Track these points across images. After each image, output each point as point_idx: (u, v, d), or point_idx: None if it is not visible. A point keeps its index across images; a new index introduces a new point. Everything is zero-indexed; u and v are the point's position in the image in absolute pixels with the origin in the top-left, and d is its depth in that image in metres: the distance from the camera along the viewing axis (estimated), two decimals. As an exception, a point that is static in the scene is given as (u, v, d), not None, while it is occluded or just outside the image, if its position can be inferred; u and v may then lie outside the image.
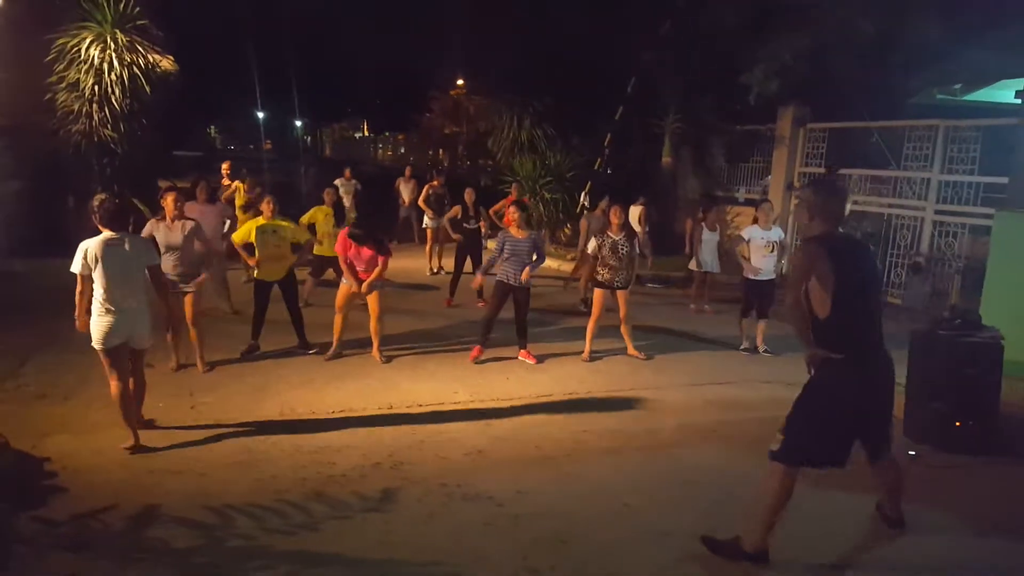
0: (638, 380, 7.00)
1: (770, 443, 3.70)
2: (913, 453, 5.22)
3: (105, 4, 10.87)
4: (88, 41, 10.79)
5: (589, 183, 12.53)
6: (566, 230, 12.89)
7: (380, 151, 42.28)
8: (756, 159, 14.89)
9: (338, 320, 7.14)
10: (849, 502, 4.42)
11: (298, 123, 49.69)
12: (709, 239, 10.04)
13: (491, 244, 12.11)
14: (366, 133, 47.84)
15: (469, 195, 10.23)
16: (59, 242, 10.61)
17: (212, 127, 51.68)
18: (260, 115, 43.40)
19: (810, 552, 3.89)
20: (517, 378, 6.86)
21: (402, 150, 34.87)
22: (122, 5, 11.00)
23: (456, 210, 10.17)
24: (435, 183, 12.25)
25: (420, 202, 12.09)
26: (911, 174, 11.50)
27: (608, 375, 7.10)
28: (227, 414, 5.65)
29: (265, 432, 5.32)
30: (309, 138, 53.76)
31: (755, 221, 8.03)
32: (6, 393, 5.85)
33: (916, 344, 5.47)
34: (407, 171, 14.45)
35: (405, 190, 13.99)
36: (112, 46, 10.85)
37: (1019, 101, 6.69)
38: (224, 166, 12.96)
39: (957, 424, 5.16)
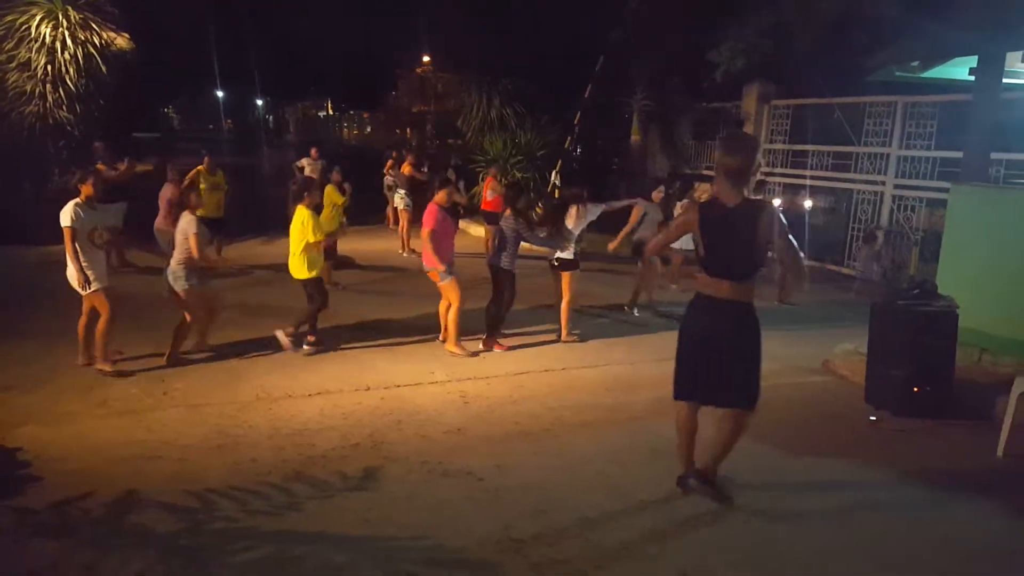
0: (612, 356, 7.11)
1: None
2: (874, 418, 5.44)
3: None
4: (39, 18, 10.43)
5: (559, 161, 12.55)
6: (538, 209, 12.90)
7: (346, 130, 41.73)
8: (722, 136, 15.09)
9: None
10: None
11: (259, 102, 48.73)
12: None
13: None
14: (330, 112, 47.15)
15: (451, 174, 10.26)
16: (15, 228, 10.42)
17: (169, 107, 50.40)
18: (220, 94, 42.46)
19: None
20: (493, 357, 6.91)
21: (368, 129, 34.47)
22: None
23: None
24: (409, 161, 12.22)
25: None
26: (871, 149, 11.77)
27: (583, 351, 7.20)
28: (202, 399, 5.62)
29: (242, 416, 5.31)
30: (271, 117, 52.80)
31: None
32: (-31, 386, 5.73)
33: (876, 313, 5.66)
34: (393, 154, 14.21)
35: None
36: (64, 23, 10.50)
37: (972, 78, 6.87)
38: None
39: (915, 390, 5.36)
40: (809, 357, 7.10)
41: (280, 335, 6.79)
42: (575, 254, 7.32)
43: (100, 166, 9.51)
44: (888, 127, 11.50)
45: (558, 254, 7.34)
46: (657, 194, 7.92)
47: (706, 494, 4.14)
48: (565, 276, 7.34)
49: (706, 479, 4.19)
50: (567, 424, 5.30)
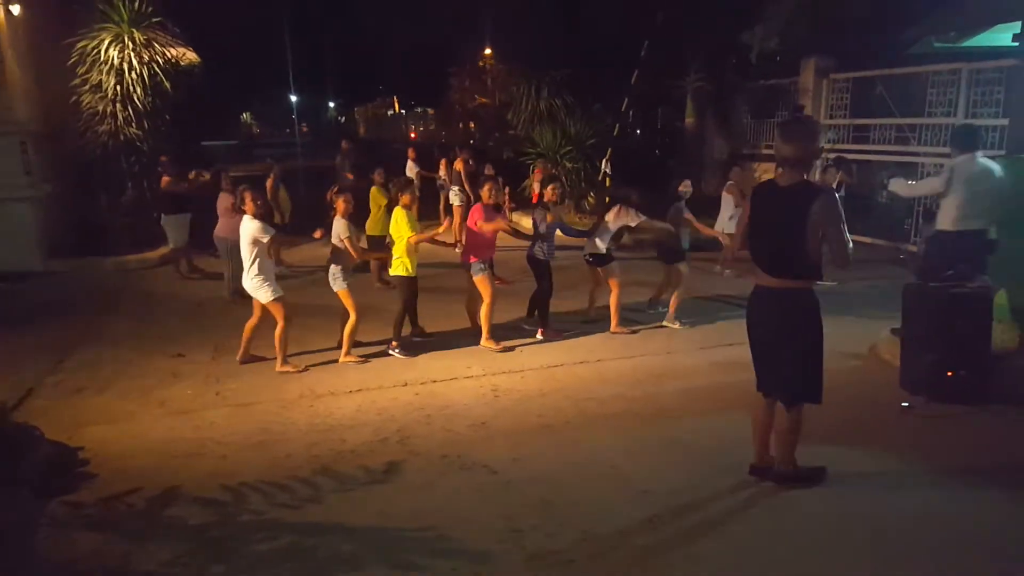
0: (649, 346, 7.12)
1: None
2: (906, 404, 5.27)
3: (120, 4, 11.15)
4: (107, 42, 11.12)
5: (609, 150, 12.51)
6: (590, 199, 12.91)
7: (412, 127, 42.48)
8: (782, 114, 14.65)
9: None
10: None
11: (331, 104, 50.11)
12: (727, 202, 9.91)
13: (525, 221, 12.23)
14: (397, 110, 48.09)
15: (489, 170, 10.38)
16: (94, 241, 11.19)
17: (247, 114, 52.45)
18: (293, 99, 43.84)
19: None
20: (530, 349, 7.03)
21: (431, 126, 35.02)
22: (137, 4, 11.28)
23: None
24: (462, 158, 12.41)
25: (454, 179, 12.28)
26: (935, 121, 11.23)
27: (621, 342, 7.24)
28: (250, 398, 5.96)
29: (285, 413, 5.62)
30: (343, 119, 54.23)
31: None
32: (46, 389, 6.25)
33: (908, 296, 5.47)
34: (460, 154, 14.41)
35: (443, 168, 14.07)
36: (130, 45, 11.17)
37: (1016, 44, 6.47)
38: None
39: (949, 374, 5.17)
40: (857, 340, 6.90)
41: (393, 352, 6.90)
42: (608, 249, 7.35)
43: (165, 179, 10.13)
44: (953, 96, 10.95)
45: (589, 249, 7.39)
46: (684, 187, 7.72)
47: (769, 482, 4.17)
48: (602, 271, 7.43)
49: (762, 469, 4.21)
50: (590, 416, 5.38)
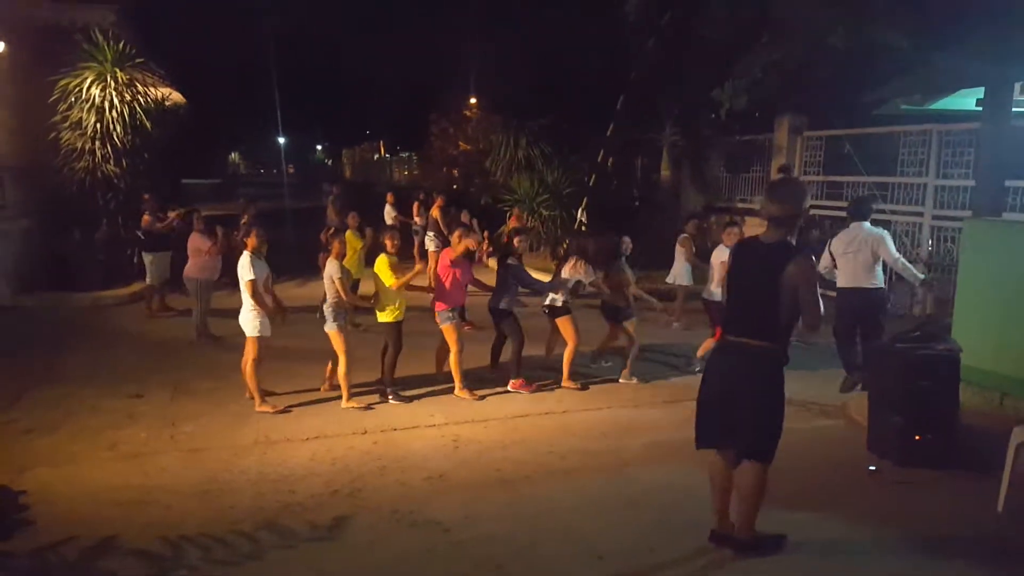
0: (617, 398, 7.04)
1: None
2: (873, 468, 5.20)
3: (105, 45, 11.23)
4: (89, 81, 11.17)
5: (585, 199, 12.63)
6: (564, 246, 12.98)
7: (396, 171, 42.85)
8: (755, 169, 14.88)
9: None
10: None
11: (319, 147, 50.49)
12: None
13: (492, 263, 12.21)
14: (383, 154, 48.58)
15: (466, 216, 10.39)
16: (65, 276, 11.04)
17: (236, 153, 52.69)
18: (281, 140, 44.17)
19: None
20: (497, 399, 6.90)
21: (416, 171, 35.39)
22: (121, 45, 11.36)
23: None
24: (439, 203, 12.47)
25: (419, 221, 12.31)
26: (907, 180, 11.41)
27: (590, 394, 7.14)
28: (203, 443, 5.80)
29: (236, 461, 5.45)
30: (330, 161, 54.60)
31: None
32: (-4, 428, 6.06)
33: (873, 357, 5.44)
34: (420, 196, 14.53)
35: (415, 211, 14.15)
36: (112, 84, 11.21)
37: (980, 109, 6.63)
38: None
39: (916, 438, 5.12)
40: (829, 399, 6.86)
41: (389, 398, 6.80)
42: (564, 301, 7.30)
43: (146, 217, 10.06)
44: (924, 156, 11.15)
45: (546, 301, 7.37)
46: (624, 245, 7.73)
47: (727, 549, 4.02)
48: (558, 322, 7.35)
49: (721, 536, 4.08)
50: (550, 471, 5.26)
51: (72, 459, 5.46)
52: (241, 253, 6.58)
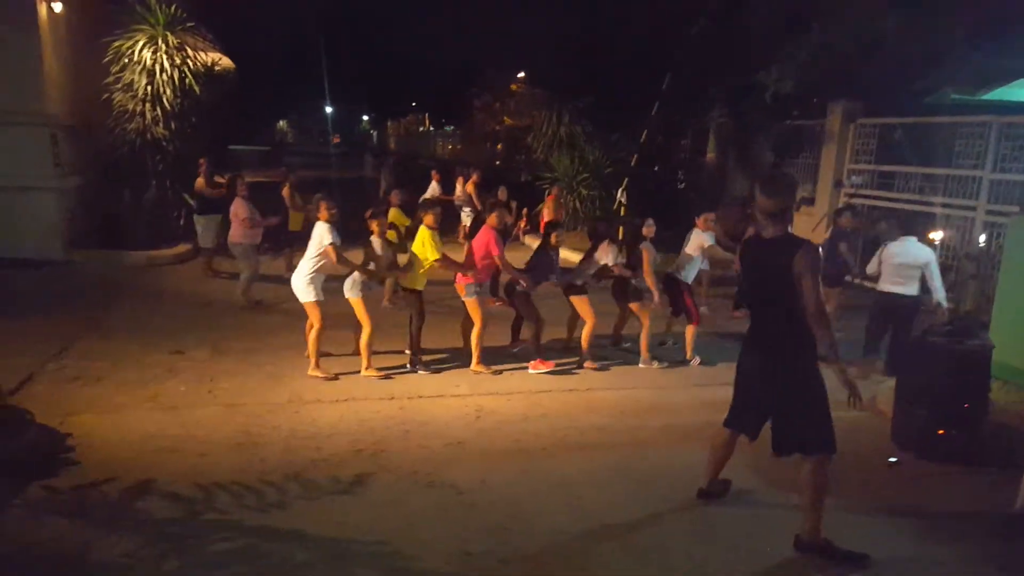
0: (642, 379, 7.09)
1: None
2: (894, 460, 5.19)
3: (157, 7, 11.48)
4: (141, 43, 11.44)
5: (626, 179, 12.57)
6: (593, 228, 12.97)
7: (440, 145, 42.98)
8: (805, 155, 14.58)
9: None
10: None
11: (364, 118, 50.80)
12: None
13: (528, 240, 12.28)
14: (427, 127, 48.72)
15: (502, 194, 10.45)
16: (115, 235, 11.45)
17: (284, 122, 53.33)
18: (328, 110, 44.50)
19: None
20: (522, 374, 7.01)
21: (459, 145, 35.47)
22: (172, 8, 11.60)
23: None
24: (474, 179, 12.56)
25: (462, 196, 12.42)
26: (961, 172, 11.08)
27: (615, 374, 7.20)
28: (240, 399, 6.06)
29: (269, 417, 5.69)
30: (375, 132, 54.96)
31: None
32: (46, 375, 6.40)
33: (904, 350, 5.41)
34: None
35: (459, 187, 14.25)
36: (163, 47, 11.48)
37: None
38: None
39: (940, 432, 5.09)
40: (863, 390, 6.81)
41: (418, 369, 6.98)
42: (582, 282, 7.39)
43: (200, 180, 10.34)
44: (981, 148, 10.82)
45: (564, 280, 7.48)
46: (647, 229, 7.66)
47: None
48: (573, 301, 7.41)
49: (709, 494, 4.38)
50: (567, 445, 5.37)
51: (115, 408, 5.76)
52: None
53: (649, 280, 7.32)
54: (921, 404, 5.16)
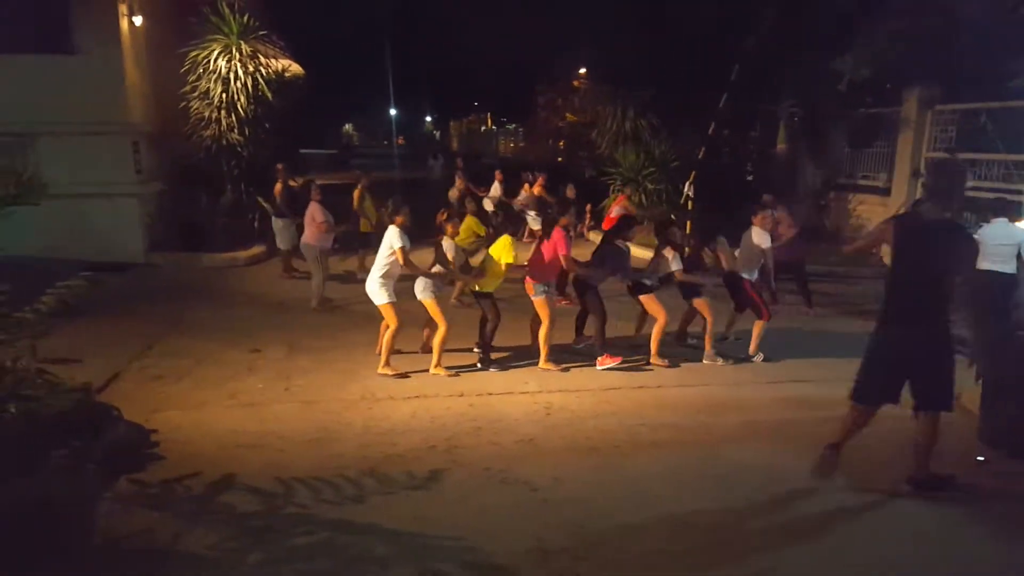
0: (715, 376, 6.96)
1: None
2: (982, 458, 4.95)
3: (231, 18, 11.88)
4: (216, 53, 11.87)
5: (693, 173, 12.33)
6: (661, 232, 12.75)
7: (502, 144, 43.14)
8: (880, 144, 14.05)
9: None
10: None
11: (427, 119, 51.44)
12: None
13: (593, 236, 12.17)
14: (489, 126, 48.96)
15: (571, 191, 10.43)
16: (193, 238, 11.89)
17: (349, 125, 54.44)
18: (392, 112, 45.18)
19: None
20: (591, 371, 6.96)
21: (521, 143, 35.51)
22: (246, 18, 11.98)
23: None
24: (540, 182, 12.57)
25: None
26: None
27: (685, 371, 7.09)
28: (316, 396, 6.20)
29: (344, 413, 5.82)
30: (438, 133, 55.61)
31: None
32: (131, 373, 6.69)
33: (992, 344, 5.15)
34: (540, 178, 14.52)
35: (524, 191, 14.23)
36: (237, 56, 11.87)
37: None
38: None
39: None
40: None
41: (489, 367, 7.03)
42: (649, 281, 7.28)
43: (278, 186, 10.63)
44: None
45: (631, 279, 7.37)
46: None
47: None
48: (642, 300, 7.31)
49: (835, 444, 4.53)
50: (639, 443, 5.31)
51: (197, 405, 5.97)
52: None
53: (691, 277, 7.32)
54: (1011, 400, 4.91)
